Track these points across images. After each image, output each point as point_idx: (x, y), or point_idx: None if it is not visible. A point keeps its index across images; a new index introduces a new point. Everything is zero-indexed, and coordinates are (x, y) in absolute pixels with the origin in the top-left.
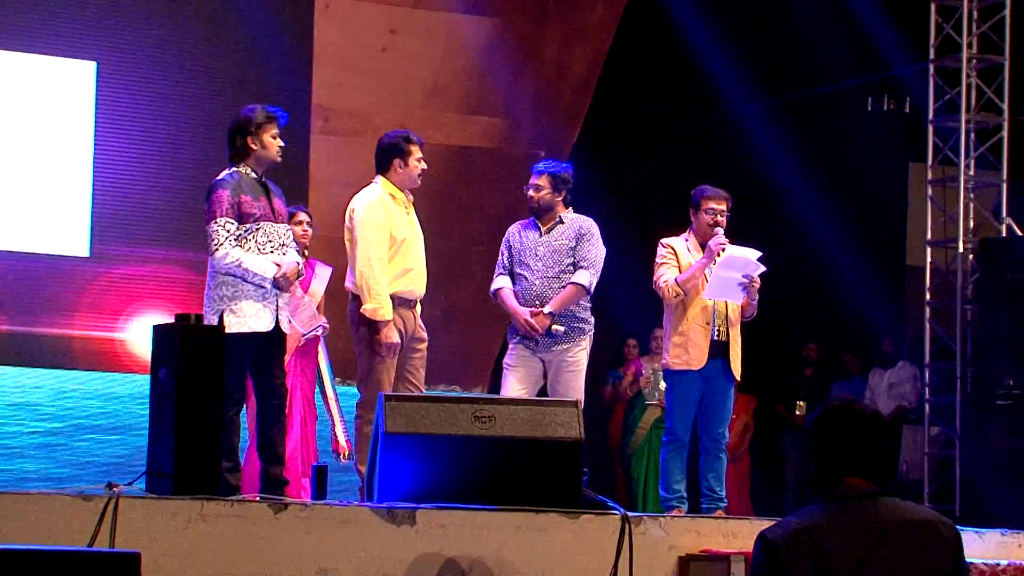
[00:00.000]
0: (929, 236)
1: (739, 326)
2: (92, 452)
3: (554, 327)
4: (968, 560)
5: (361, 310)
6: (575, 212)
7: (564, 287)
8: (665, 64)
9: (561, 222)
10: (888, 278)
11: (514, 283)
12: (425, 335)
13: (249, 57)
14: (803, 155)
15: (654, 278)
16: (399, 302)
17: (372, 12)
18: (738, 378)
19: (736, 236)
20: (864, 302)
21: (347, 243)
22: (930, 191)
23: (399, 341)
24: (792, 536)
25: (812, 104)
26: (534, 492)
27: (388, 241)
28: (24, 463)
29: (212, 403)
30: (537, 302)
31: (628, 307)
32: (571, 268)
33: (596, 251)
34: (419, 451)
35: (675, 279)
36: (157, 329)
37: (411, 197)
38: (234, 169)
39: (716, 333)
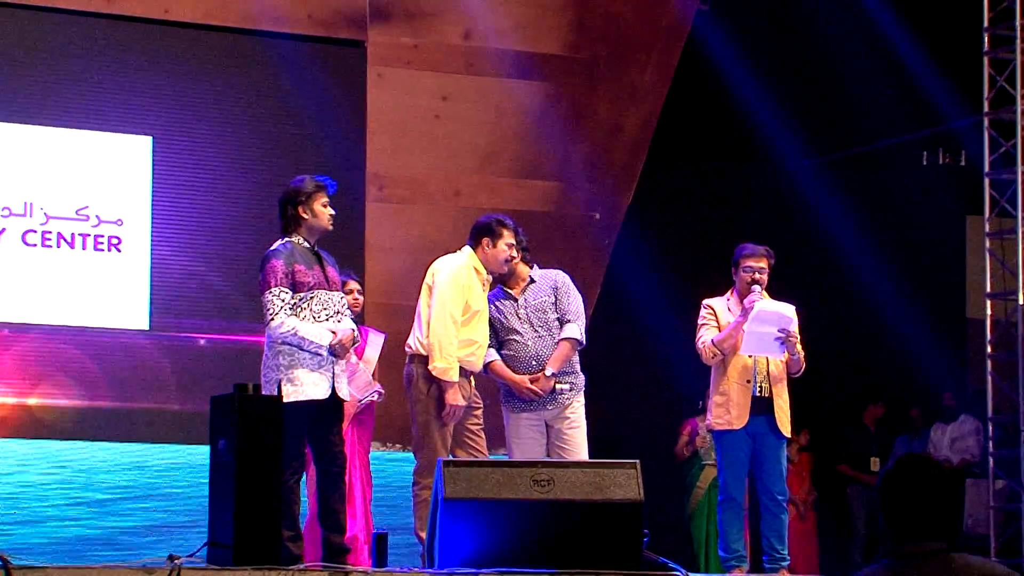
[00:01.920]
0: (988, 288)
1: (785, 382)
2: (152, 519)
3: (558, 387)
4: None
5: (430, 367)
6: (619, 271)
7: (557, 344)
8: (718, 122)
9: (532, 281)
10: (948, 331)
11: (503, 351)
12: (480, 402)
13: (304, 128)
14: (859, 211)
15: (696, 339)
16: (462, 371)
17: (424, 80)
18: (787, 435)
19: (790, 293)
20: (924, 356)
21: (421, 302)
22: (988, 243)
23: (464, 404)
24: None
25: (867, 160)
26: (595, 555)
27: (464, 308)
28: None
29: (271, 472)
30: (534, 363)
31: (680, 368)
32: (557, 324)
33: (577, 302)
34: (479, 516)
35: (712, 340)
36: (215, 400)
37: (490, 279)
38: (287, 239)
39: (758, 390)
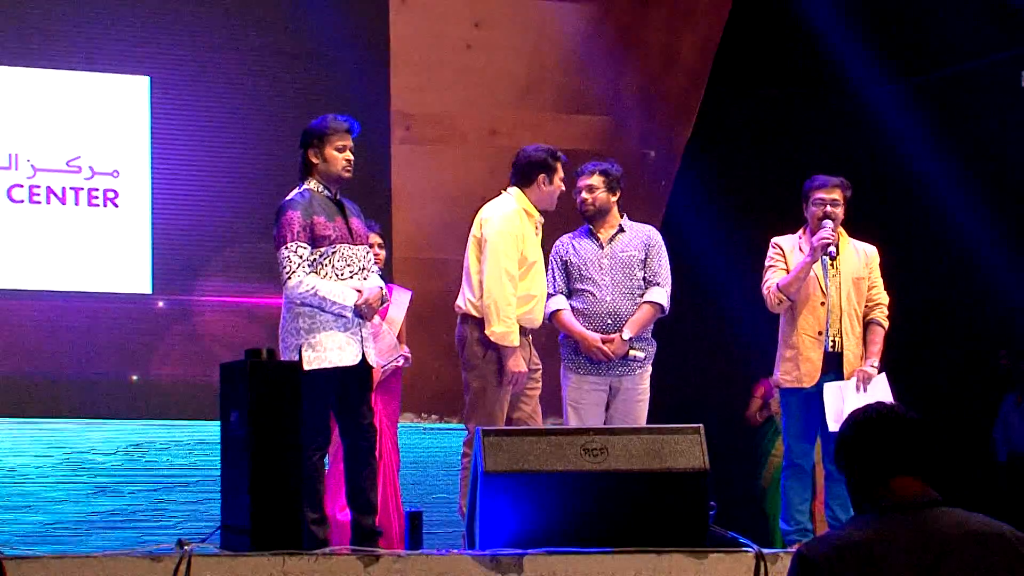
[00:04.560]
0: None
1: (861, 337)
2: (158, 506)
3: (632, 352)
4: None
5: (487, 332)
6: (677, 215)
7: (639, 306)
8: (784, 46)
9: (623, 230)
10: None
11: (573, 301)
12: (539, 363)
13: (318, 64)
14: (945, 140)
15: (762, 284)
16: (520, 331)
17: (454, 4)
18: None
19: (869, 230)
20: (1017, 297)
21: (470, 257)
22: None
23: (526, 370)
24: (835, 553)
25: (953, 83)
26: (655, 531)
27: (519, 261)
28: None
29: (290, 448)
30: (609, 321)
31: (749, 320)
32: (642, 284)
33: (667, 266)
34: (523, 491)
35: (777, 284)
36: (225, 368)
37: (543, 221)
38: (304, 188)
39: (831, 344)
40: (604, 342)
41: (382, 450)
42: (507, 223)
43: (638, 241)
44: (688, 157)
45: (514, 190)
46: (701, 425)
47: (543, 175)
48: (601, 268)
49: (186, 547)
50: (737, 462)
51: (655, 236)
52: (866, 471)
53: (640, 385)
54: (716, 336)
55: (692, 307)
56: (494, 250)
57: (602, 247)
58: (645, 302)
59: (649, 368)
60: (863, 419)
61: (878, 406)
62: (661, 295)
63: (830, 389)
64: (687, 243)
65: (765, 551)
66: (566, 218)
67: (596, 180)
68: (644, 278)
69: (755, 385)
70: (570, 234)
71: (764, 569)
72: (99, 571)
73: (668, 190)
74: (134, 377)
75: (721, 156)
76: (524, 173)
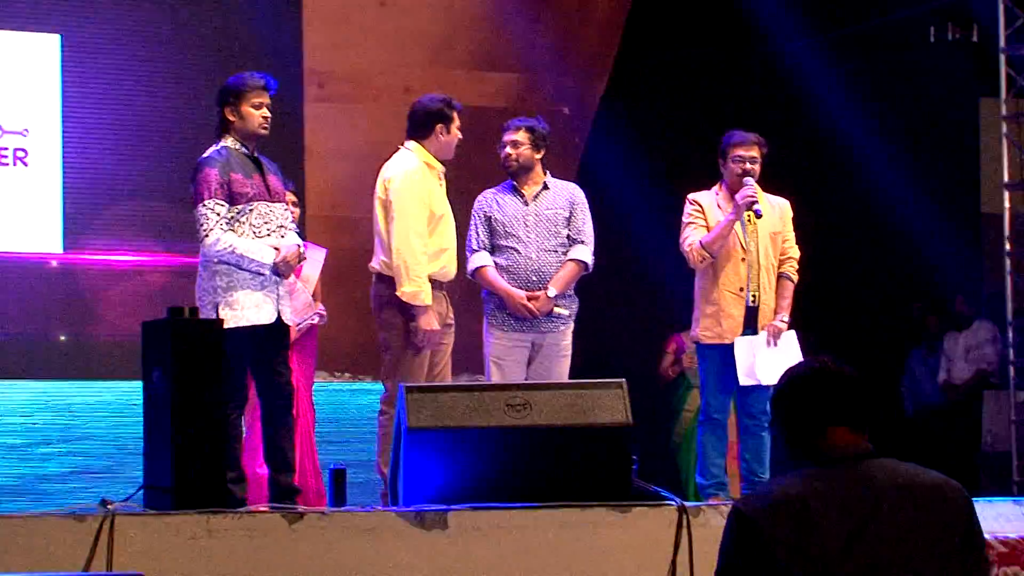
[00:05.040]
0: (1006, 178)
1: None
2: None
3: (557, 310)
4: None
5: (398, 293)
6: (593, 172)
7: (563, 264)
8: (700, 2)
9: (547, 188)
10: (961, 227)
11: (497, 258)
12: (452, 319)
13: (232, 21)
14: (860, 95)
15: (680, 240)
16: (434, 285)
17: None
18: None
19: (784, 186)
20: (936, 256)
21: (378, 217)
22: (1004, 128)
23: (439, 328)
24: (771, 508)
25: (868, 37)
26: (579, 485)
27: (426, 217)
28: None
29: (213, 406)
30: (534, 278)
31: (663, 276)
32: (566, 241)
33: (591, 223)
34: (447, 446)
35: (700, 241)
36: (147, 326)
37: (444, 169)
38: (222, 145)
39: (751, 299)
40: (529, 299)
41: (299, 408)
42: (410, 181)
43: (563, 199)
44: (603, 113)
45: (412, 144)
46: (624, 380)
47: (440, 125)
48: (526, 225)
49: (109, 506)
50: (651, 418)
51: (579, 194)
52: (801, 423)
53: (563, 341)
54: (632, 292)
55: (609, 263)
56: (400, 210)
57: (527, 204)
58: (570, 260)
59: (571, 324)
60: (799, 373)
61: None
62: (586, 253)
63: (741, 344)
64: (602, 199)
65: (688, 504)
66: (482, 173)
67: (521, 136)
68: (568, 236)
69: (667, 341)
70: (493, 189)
71: (687, 522)
72: (22, 532)
73: (582, 146)
74: (48, 337)
75: (636, 112)
76: (421, 124)
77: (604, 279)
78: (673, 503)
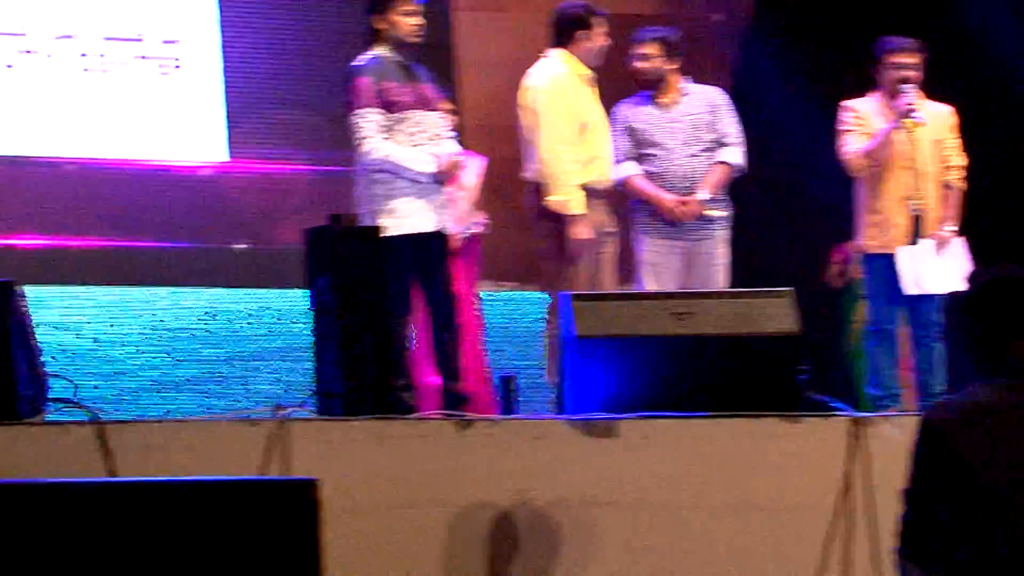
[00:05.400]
0: None
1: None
2: (244, 369)
3: (708, 212)
4: None
5: (545, 202)
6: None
7: (712, 166)
8: None
9: (686, 93)
10: None
11: (644, 166)
12: (615, 228)
13: None
14: None
15: (840, 149)
16: (589, 193)
17: None
18: None
19: (946, 94)
20: None
21: (523, 126)
22: None
23: (593, 237)
24: (961, 418)
25: None
26: (747, 395)
27: (574, 124)
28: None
29: (378, 312)
30: (684, 184)
31: (824, 186)
32: (712, 144)
33: (737, 124)
34: (612, 355)
35: (863, 149)
36: (311, 233)
37: (594, 75)
38: (374, 53)
39: (916, 207)
40: (680, 203)
41: (464, 317)
42: (554, 89)
43: (702, 103)
44: (756, 22)
45: (556, 51)
46: (792, 288)
47: (581, 31)
48: (669, 132)
49: (283, 411)
50: (821, 329)
51: (720, 96)
52: (991, 332)
53: (718, 249)
54: (793, 203)
55: (767, 176)
56: (546, 118)
57: (667, 110)
58: (719, 162)
59: (727, 231)
60: (994, 280)
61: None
62: (735, 154)
63: (903, 253)
64: (758, 111)
65: (860, 415)
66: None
67: (651, 48)
68: (715, 139)
69: (832, 251)
70: (631, 100)
71: (860, 433)
72: (197, 435)
73: (734, 56)
74: (216, 245)
75: (790, 20)
76: (563, 31)
77: (763, 190)
78: (846, 414)
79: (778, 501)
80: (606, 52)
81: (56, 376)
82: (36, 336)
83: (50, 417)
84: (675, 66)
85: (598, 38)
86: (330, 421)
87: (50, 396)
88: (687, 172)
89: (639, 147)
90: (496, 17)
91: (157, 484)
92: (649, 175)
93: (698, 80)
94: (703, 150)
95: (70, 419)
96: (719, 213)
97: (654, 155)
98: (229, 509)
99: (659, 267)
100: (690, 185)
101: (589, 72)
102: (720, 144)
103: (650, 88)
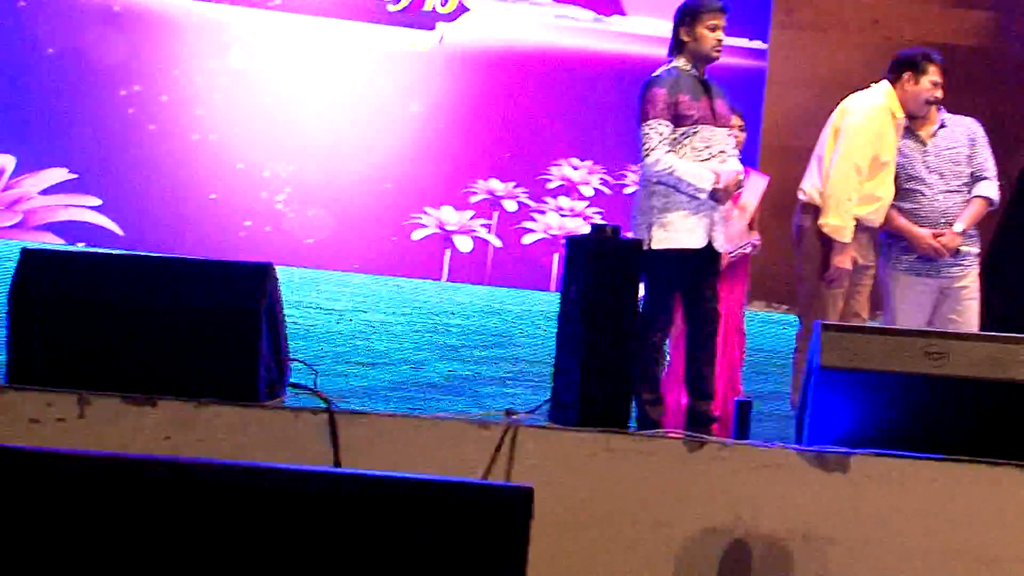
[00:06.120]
0: None
1: None
2: (503, 370)
3: (964, 248)
4: None
5: (821, 222)
6: None
7: (969, 201)
8: None
9: (943, 126)
10: None
11: (900, 202)
12: (873, 261)
13: None
14: None
15: None
16: (858, 226)
17: None
18: None
19: None
20: None
21: (824, 144)
22: None
23: (850, 268)
24: None
25: None
26: (991, 442)
27: (871, 158)
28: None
29: (625, 326)
30: (942, 220)
31: None
32: (969, 178)
33: (991, 157)
34: (859, 388)
35: None
36: (571, 241)
37: (906, 123)
38: (672, 65)
39: None
40: (935, 237)
41: (726, 336)
42: (869, 116)
43: (961, 135)
44: None
45: (885, 84)
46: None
47: (908, 72)
48: (928, 167)
49: (514, 416)
50: None
51: (978, 129)
52: None
53: (972, 283)
54: None
55: None
56: (848, 142)
57: (924, 144)
58: (976, 196)
59: (977, 266)
60: None
61: None
62: (990, 189)
63: None
64: None
65: None
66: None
67: (941, 74)
68: (971, 173)
69: None
70: None
71: None
72: (427, 433)
73: None
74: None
75: None
76: (894, 68)
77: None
78: None
79: (1012, 553)
80: (932, 103)
81: (298, 361)
82: (285, 321)
83: (288, 402)
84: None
85: (924, 86)
86: (559, 430)
87: (290, 381)
88: (944, 208)
89: (897, 181)
90: (812, 37)
91: (365, 477)
92: (905, 211)
93: (1009, 115)
94: (961, 185)
95: (305, 406)
96: (974, 249)
97: (913, 190)
98: (440, 510)
99: (910, 304)
100: (947, 221)
101: (903, 116)
102: (977, 178)
103: (911, 118)
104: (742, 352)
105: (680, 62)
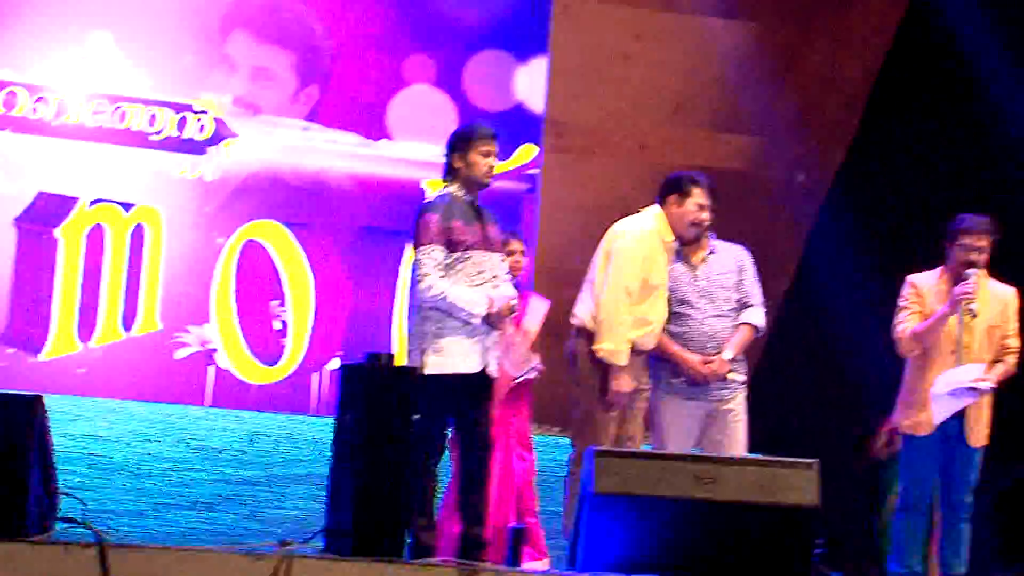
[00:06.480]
0: None
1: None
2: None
3: (731, 375)
4: None
5: (595, 347)
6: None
7: (736, 328)
8: (946, 78)
9: (713, 252)
10: None
11: (670, 325)
12: (648, 384)
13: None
14: None
15: (894, 325)
16: (632, 350)
17: (615, 14)
18: (978, 445)
19: (1014, 276)
20: None
21: (596, 269)
22: None
23: (629, 391)
24: None
25: None
26: (759, 565)
27: (641, 283)
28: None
29: (399, 455)
30: (710, 344)
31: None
32: (737, 304)
33: (759, 284)
34: (631, 514)
35: (912, 330)
36: (346, 369)
37: (677, 246)
38: (446, 191)
39: None
40: (704, 363)
41: (509, 460)
42: (638, 241)
43: (730, 262)
44: (837, 185)
45: (655, 208)
46: (817, 460)
47: (674, 195)
48: (698, 291)
49: (287, 546)
50: (847, 500)
51: (746, 256)
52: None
53: (739, 407)
54: (837, 373)
55: (817, 340)
56: (618, 267)
57: (695, 269)
58: (743, 323)
59: (745, 390)
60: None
61: None
62: (758, 316)
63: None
64: (825, 272)
65: None
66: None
67: (709, 199)
68: (738, 300)
69: (883, 421)
70: None
71: None
72: (199, 566)
73: (812, 217)
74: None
75: (872, 186)
76: (661, 191)
77: (812, 358)
78: None
79: None
80: (699, 226)
81: (67, 495)
82: (54, 453)
83: (57, 536)
84: (709, 222)
85: (688, 208)
86: (333, 560)
87: (59, 515)
88: (713, 333)
89: (667, 305)
90: (581, 161)
91: None
92: (674, 334)
93: (773, 236)
94: (729, 311)
95: (75, 539)
96: (740, 376)
97: (682, 314)
98: None
99: (677, 428)
100: (716, 345)
101: (672, 239)
102: (744, 305)
103: (688, 243)
104: (533, 471)
105: (453, 188)
